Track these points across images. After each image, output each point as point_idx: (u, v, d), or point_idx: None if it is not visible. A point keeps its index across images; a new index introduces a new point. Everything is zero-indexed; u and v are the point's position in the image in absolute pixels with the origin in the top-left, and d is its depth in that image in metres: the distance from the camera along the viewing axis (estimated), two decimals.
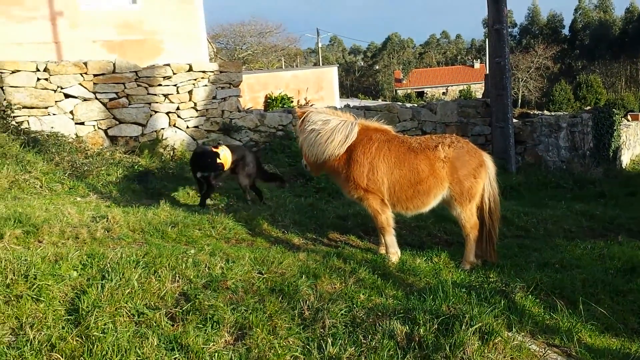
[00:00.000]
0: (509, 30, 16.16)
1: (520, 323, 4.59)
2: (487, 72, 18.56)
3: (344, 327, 4.11)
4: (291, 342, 3.92)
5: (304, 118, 6.89)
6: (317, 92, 25.66)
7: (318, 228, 8.10)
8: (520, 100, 67.81)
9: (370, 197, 6.64)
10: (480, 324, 4.05)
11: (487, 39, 41.77)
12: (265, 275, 4.98)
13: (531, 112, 24.32)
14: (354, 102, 36.20)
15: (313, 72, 27.20)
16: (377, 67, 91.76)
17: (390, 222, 6.73)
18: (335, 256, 6.00)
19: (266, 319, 4.13)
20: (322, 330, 4.06)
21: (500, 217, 7.01)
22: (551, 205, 11.24)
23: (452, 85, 77.81)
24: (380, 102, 46.06)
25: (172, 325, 3.99)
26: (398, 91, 79.82)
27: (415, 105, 20.32)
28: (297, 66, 52.96)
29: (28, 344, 3.50)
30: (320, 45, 67.80)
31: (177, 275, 4.67)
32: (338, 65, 39.61)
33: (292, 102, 23.13)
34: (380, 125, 6.95)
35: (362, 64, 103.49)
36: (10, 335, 3.65)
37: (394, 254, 6.65)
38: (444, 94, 76.32)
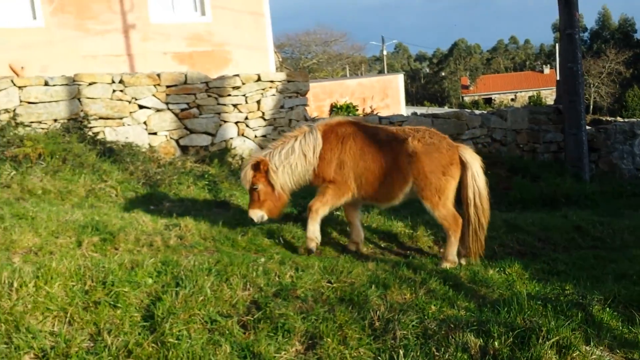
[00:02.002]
0: (580, 34, 15.59)
1: (598, 337, 4.38)
2: (558, 77, 17.98)
3: (415, 339, 4.04)
4: (362, 353, 3.88)
5: (271, 162, 6.68)
6: (383, 99, 25.56)
7: (385, 237, 8.01)
8: (592, 107, 65.45)
9: (331, 186, 6.68)
10: (557, 338, 3.90)
11: (557, 44, 40.50)
12: (334, 285, 4.97)
13: (604, 119, 23.47)
14: (420, 109, 35.85)
15: (378, 80, 27.12)
16: (443, 74, 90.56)
17: (321, 212, 6.75)
18: (405, 266, 5.91)
19: (336, 328, 4.11)
20: (393, 341, 4.00)
21: (574, 226, 6.77)
22: (627, 214, 10.73)
23: (521, 92, 75.84)
24: (447, 109, 45.45)
25: (244, 333, 4.02)
26: (465, 98, 78.51)
27: (485, 112, 19.90)
28: (361, 74, 53.02)
29: (106, 350, 3.58)
30: (385, 52, 67.56)
31: (248, 283, 4.72)
32: (403, 72, 39.38)
33: (357, 110, 23.12)
34: (345, 118, 7.22)
35: (428, 70, 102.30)
36: (89, 341, 3.75)
37: (312, 240, 6.76)
38: (512, 100, 74.50)
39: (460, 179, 6.60)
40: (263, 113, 13.03)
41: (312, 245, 6.57)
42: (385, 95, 25.65)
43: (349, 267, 5.48)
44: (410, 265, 6.09)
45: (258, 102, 13.00)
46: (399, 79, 27.04)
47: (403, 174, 6.44)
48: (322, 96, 24.24)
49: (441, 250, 7.32)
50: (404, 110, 25.26)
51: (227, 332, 3.96)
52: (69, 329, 3.86)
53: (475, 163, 6.59)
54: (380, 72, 62.20)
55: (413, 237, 8.10)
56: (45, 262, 4.76)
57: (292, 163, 6.56)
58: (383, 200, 6.77)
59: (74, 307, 4.06)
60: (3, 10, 13.57)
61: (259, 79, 12.96)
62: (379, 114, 17.73)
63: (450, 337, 4.00)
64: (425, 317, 4.43)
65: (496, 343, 3.89)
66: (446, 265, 6.50)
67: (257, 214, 6.70)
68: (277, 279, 4.95)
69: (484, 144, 15.39)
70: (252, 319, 4.15)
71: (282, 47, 48.20)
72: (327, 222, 8.03)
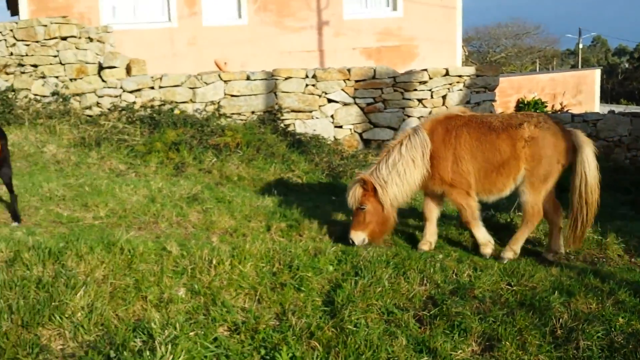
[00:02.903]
0: None
1: None
2: None
3: (599, 351, 3.81)
4: None
5: (377, 182, 6.17)
6: (575, 96, 23.88)
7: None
8: None
9: (455, 192, 6.16)
10: None
11: None
12: (514, 288, 4.81)
13: None
14: (618, 107, 32.80)
15: (573, 75, 25.35)
16: None
17: (476, 215, 6.21)
18: (591, 274, 5.51)
19: (515, 332, 3.99)
20: (575, 351, 3.81)
21: None
22: None
23: None
24: None
25: (420, 328, 4.05)
26: None
27: None
28: (552, 69, 49.80)
29: (290, 330, 3.80)
30: (581, 46, 62.72)
31: (425, 278, 4.74)
32: (600, 67, 36.34)
33: (545, 107, 21.85)
34: (450, 111, 6.54)
35: (627, 65, 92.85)
36: (275, 320, 4.02)
37: (486, 244, 6.17)
38: None
39: (570, 165, 6.10)
40: (448, 108, 12.86)
41: (489, 250, 6.26)
42: (578, 92, 23.92)
43: (530, 271, 5.24)
44: (597, 273, 5.66)
45: (444, 97, 12.87)
46: (595, 75, 25.04)
47: (517, 160, 6.01)
48: (509, 91, 23.26)
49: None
50: (598, 107, 23.36)
51: (403, 324, 4.02)
52: (258, 306, 4.18)
53: (586, 148, 6.00)
54: (574, 66, 57.78)
55: (602, 244, 7.49)
56: (239, 243, 5.22)
57: (400, 171, 6.10)
58: (496, 192, 6.25)
59: (262, 287, 4.39)
60: (213, 10, 14.88)
61: (446, 74, 12.82)
62: (570, 111, 16.58)
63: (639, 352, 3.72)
64: (612, 329, 4.12)
65: None
66: (509, 254, 6.02)
67: (359, 237, 6.06)
68: (454, 276, 4.91)
69: None
70: (428, 314, 4.18)
71: (470, 41, 46.85)
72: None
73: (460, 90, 12.96)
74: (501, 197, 6.37)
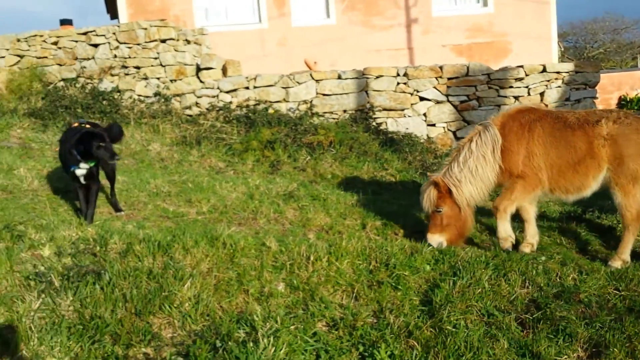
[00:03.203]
0: None
1: None
2: None
3: None
4: None
5: (452, 183, 5.99)
6: None
7: None
8: None
9: (519, 182, 5.93)
10: None
11: None
12: (622, 293, 4.59)
13: None
14: None
15: None
16: None
17: (509, 211, 6.01)
18: None
19: (624, 339, 3.81)
20: None
21: None
22: None
23: None
24: None
25: (522, 331, 3.95)
26: None
27: None
28: None
29: (388, 328, 3.81)
30: None
31: (527, 281, 4.62)
32: None
33: None
34: (523, 105, 6.21)
35: None
36: (373, 317, 4.05)
37: (506, 239, 6.01)
38: None
39: None
40: (546, 105, 12.41)
41: (507, 245, 5.90)
42: None
43: None
44: None
45: (541, 94, 12.44)
46: None
47: (597, 159, 5.70)
48: (609, 88, 22.12)
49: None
50: None
51: (504, 327, 3.93)
52: (355, 303, 4.22)
53: None
54: None
55: None
56: (335, 240, 5.28)
57: (472, 168, 5.94)
58: (574, 191, 5.94)
59: (359, 284, 4.43)
60: (302, 11, 15.09)
61: (544, 70, 12.39)
62: None
63: None
64: None
65: None
66: (617, 264, 5.58)
67: (436, 240, 5.88)
68: (558, 279, 4.75)
69: None
70: (530, 317, 4.06)
71: (565, 36, 44.82)
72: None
73: (559, 87, 12.48)
74: (582, 196, 6.09)
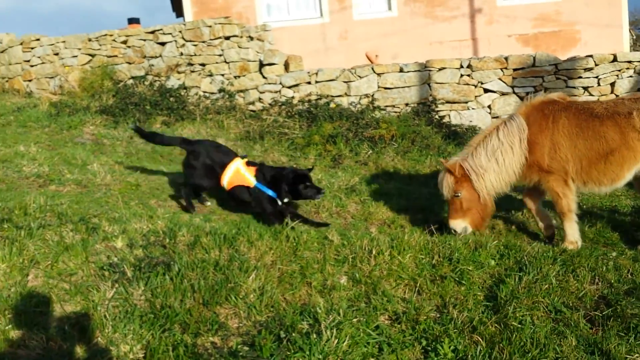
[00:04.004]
0: None
1: None
2: None
3: None
4: None
5: (471, 168, 5.85)
6: None
7: None
8: None
9: (552, 179, 5.71)
10: None
11: None
12: None
13: None
14: None
15: None
16: None
17: (572, 207, 5.73)
18: None
19: None
20: None
21: None
22: None
23: None
24: None
25: (591, 329, 3.85)
26: None
27: None
28: None
29: (452, 323, 3.79)
30: None
31: (596, 277, 4.49)
32: None
33: None
34: (548, 96, 5.93)
35: None
36: (436, 312, 4.02)
37: (573, 242, 5.64)
38: None
39: None
40: (617, 96, 11.93)
41: (572, 247, 5.65)
42: None
43: None
44: None
45: (612, 84, 11.96)
46: None
47: (634, 151, 5.49)
48: None
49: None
50: None
51: (572, 324, 3.84)
52: (418, 297, 4.21)
53: None
54: None
55: None
56: (398, 234, 5.27)
57: (499, 159, 5.79)
58: (607, 183, 5.74)
59: (422, 279, 4.41)
60: (363, 3, 15.06)
61: (614, 59, 11.89)
62: None
63: None
64: None
65: None
66: None
67: (460, 225, 5.89)
68: (629, 276, 4.59)
69: None
70: (600, 314, 3.95)
71: (637, 24, 42.78)
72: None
73: (631, 76, 11.96)
74: (615, 188, 5.97)
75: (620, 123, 5.56)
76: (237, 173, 6.23)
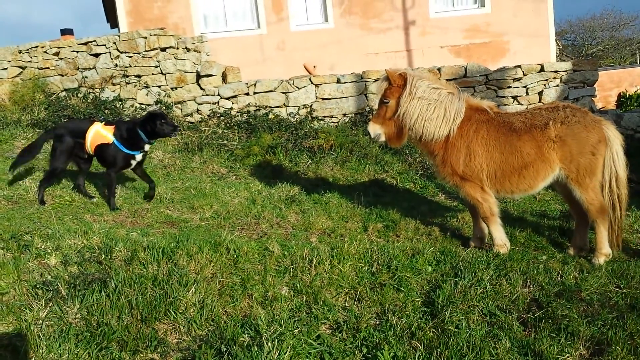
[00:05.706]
0: None
1: None
2: None
3: None
4: None
5: (411, 82, 5.88)
6: None
7: None
8: None
9: (467, 186, 5.92)
10: None
11: None
12: (624, 290, 4.63)
13: None
14: None
15: None
16: None
17: (495, 210, 5.93)
18: None
19: (626, 337, 3.86)
20: None
21: None
22: None
23: None
24: None
25: (524, 331, 3.99)
26: None
27: None
28: None
29: (391, 329, 3.85)
30: None
31: (528, 280, 4.66)
32: None
33: None
34: (480, 102, 6.09)
35: None
36: (376, 319, 4.08)
37: (502, 246, 5.84)
38: None
39: None
40: (544, 104, 12.45)
41: (503, 251, 5.86)
42: None
43: None
44: None
45: (539, 93, 12.48)
46: None
47: (549, 161, 5.74)
48: (608, 85, 22.21)
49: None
50: None
51: (506, 327, 3.97)
52: (358, 305, 4.26)
53: (616, 141, 5.80)
54: None
55: None
56: (337, 243, 5.32)
57: (430, 105, 5.83)
58: (520, 193, 6.03)
59: (362, 287, 4.47)
60: (300, 15, 15.16)
61: (541, 69, 12.43)
62: None
63: None
64: None
65: None
66: (600, 260, 5.71)
67: (376, 131, 6.11)
68: (559, 278, 4.79)
69: None
70: (532, 317, 4.10)
71: (563, 34, 44.83)
72: None
73: (557, 86, 12.52)
74: (529, 195, 6.38)
75: (537, 137, 5.74)
76: (97, 134, 6.86)
